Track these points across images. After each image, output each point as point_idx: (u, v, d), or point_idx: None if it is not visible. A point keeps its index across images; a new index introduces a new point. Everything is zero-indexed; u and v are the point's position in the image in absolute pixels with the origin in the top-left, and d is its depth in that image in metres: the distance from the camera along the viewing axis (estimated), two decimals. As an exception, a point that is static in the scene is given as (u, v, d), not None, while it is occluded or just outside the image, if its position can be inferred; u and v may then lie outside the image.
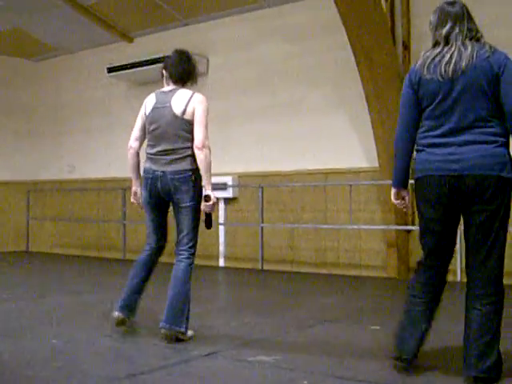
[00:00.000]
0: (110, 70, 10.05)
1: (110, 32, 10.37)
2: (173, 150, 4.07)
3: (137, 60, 9.74)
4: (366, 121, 7.58)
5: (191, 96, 4.07)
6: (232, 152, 9.21)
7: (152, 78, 9.99)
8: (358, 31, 7.03)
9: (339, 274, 8.03)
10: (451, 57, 3.10)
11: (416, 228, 7.63)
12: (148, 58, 9.59)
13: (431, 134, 3.14)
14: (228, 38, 9.47)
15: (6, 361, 3.50)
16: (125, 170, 10.47)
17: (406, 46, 7.82)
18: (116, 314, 4.14)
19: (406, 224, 7.71)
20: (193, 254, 4.19)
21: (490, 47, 3.09)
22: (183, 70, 4.20)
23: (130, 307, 4.22)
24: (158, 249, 4.39)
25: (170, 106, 4.06)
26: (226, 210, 9.36)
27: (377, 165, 7.69)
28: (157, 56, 9.45)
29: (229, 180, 9.10)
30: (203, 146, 3.95)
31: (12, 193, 11.54)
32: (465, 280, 3.22)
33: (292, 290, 6.58)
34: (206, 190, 4.01)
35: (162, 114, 4.10)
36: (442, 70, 3.09)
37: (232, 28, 9.43)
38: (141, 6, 9.60)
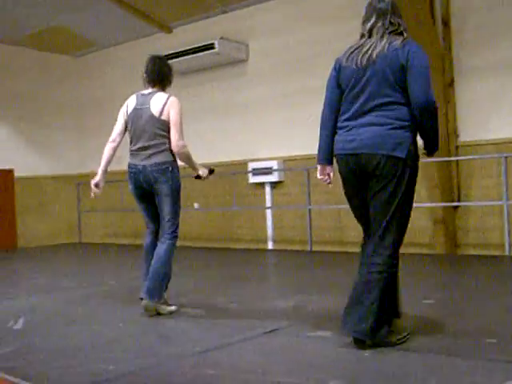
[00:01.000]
0: (151, 61, 10.21)
1: (148, 24, 10.54)
2: (151, 146, 4.52)
3: (176, 50, 9.89)
4: (409, 99, 7.58)
5: (167, 99, 4.55)
6: (276, 136, 9.32)
7: (193, 67, 10.17)
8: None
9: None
10: (368, 48, 3.39)
11: (463, 204, 7.64)
12: (187, 48, 9.73)
13: (342, 117, 3.47)
14: (267, 23, 9.54)
15: (77, 344, 3.70)
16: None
17: (446, 23, 7.77)
18: (143, 300, 4.43)
19: (453, 200, 7.71)
20: (175, 237, 4.59)
21: (404, 40, 3.35)
22: (158, 75, 4.64)
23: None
24: (157, 233, 4.69)
25: (149, 108, 4.52)
26: (272, 193, 9.49)
27: (421, 142, 7.69)
28: (196, 45, 9.61)
29: (274, 164, 9.22)
30: (177, 146, 4.49)
31: (62, 186, 11.88)
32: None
33: (342, 270, 6.68)
34: (197, 172, 4.74)
35: (141, 115, 4.55)
36: (358, 59, 3.40)
37: (271, 13, 9.49)
38: (179, -5, 9.75)
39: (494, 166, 7.42)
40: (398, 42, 3.33)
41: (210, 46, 9.45)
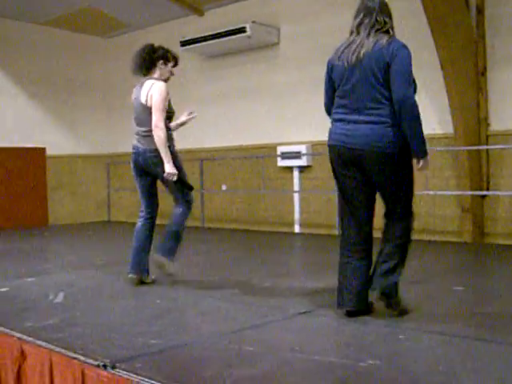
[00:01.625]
0: (183, 43, 10.25)
1: (180, 6, 10.56)
2: (145, 131, 4.82)
3: (209, 33, 9.92)
4: (440, 87, 7.55)
5: (151, 86, 4.80)
6: (305, 121, 9.34)
7: (224, 50, 10.21)
8: (440, 15, 7.03)
9: (414, 239, 8.09)
10: (356, 46, 3.57)
11: (491, 193, 7.64)
12: (220, 31, 9.75)
13: (339, 110, 3.69)
14: (298, 7, 9.53)
15: (117, 318, 3.83)
16: (201, 141, 10.88)
17: (480, 11, 7.70)
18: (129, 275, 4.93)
19: (481, 189, 7.69)
20: (189, 203, 4.99)
21: (389, 38, 3.52)
22: (136, 64, 4.97)
23: (139, 267, 4.96)
24: (149, 219, 5.06)
25: (139, 97, 4.87)
26: (300, 177, 9.54)
27: (451, 131, 7.69)
28: (228, 29, 9.63)
29: (303, 148, 9.26)
30: (156, 127, 4.68)
31: (92, 166, 12.05)
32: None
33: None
34: (164, 164, 4.72)
35: (136, 104, 4.95)
36: (348, 58, 3.60)
37: (302, -3, 9.49)
38: (211, -22, 9.76)
39: (525, 155, 7.40)
40: (383, 40, 3.51)
41: (242, 30, 9.46)
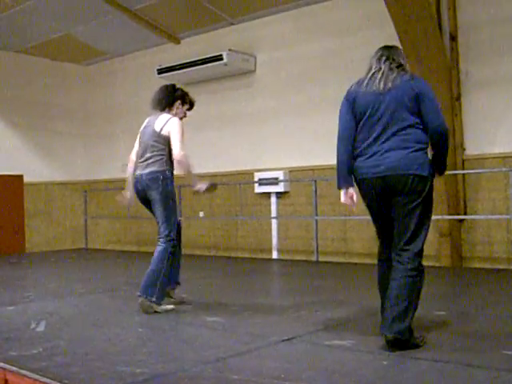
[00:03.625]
0: (160, 71, 10.33)
1: (157, 34, 10.67)
2: (149, 157, 5.04)
3: (185, 61, 10.01)
4: (416, 113, 7.70)
5: (169, 119, 5.08)
6: (282, 147, 9.44)
7: (201, 77, 10.30)
8: (406, 24, 7.15)
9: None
10: (381, 78, 3.75)
11: (469, 217, 7.75)
12: (196, 59, 9.85)
13: (362, 144, 3.75)
14: (274, 35, 9.68)
15: (101, 347, 3.81)
16: (177, 169, 10.87)
17: (454, 37, 7.90)
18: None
19: (458, 213, 7.81)
20: (169, 240, 4.99)
21: (412, 75, 3.77)
22: (155, 102, 5.27)
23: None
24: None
25: (153, 125, 5.09)
26: (277, 203, 9.60)
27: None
28: (204, 56, 9.73)
29: (280, 174, 9.33)
30: (179, 155, 4.95)
31: (69, 193, 12.00)
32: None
33: (350, 279, 6.79)
34: (194, 187, 5.06)
35: (147, 131, 5.16)
36: (376, 85, 3.73)
37: (278, 25, 9.63)
38: (187, 7, 9.84)
39: (501, 179, 7.52)
40: (407, 75, 3.73)
41: (219, 58, 9.57)
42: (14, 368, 3.27)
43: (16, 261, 9.79)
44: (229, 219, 10.23)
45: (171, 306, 4.97)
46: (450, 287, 6.42)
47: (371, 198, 3.79)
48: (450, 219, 7.72)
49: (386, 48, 3.92)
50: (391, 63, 3.79)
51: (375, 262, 8.06)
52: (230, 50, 9.56)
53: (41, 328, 4.34)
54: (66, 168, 11.95)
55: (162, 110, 5.20)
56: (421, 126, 3.65)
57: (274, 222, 9.65)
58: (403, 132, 3.63)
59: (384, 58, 3.83)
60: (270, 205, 9.70)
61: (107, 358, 3.50)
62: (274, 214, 9.61)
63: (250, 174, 9.86)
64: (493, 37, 7.63)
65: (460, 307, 5.05)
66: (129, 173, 5.27)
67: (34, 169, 11.42)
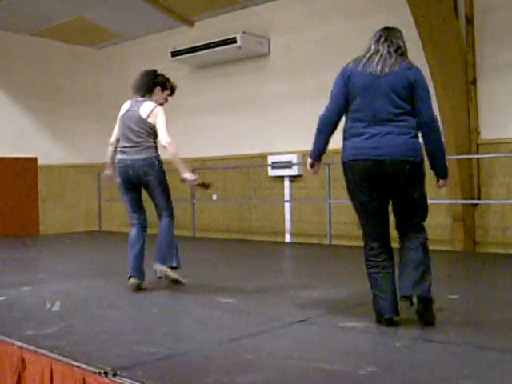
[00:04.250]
0: (174, 54, 10.32)
1: (171, 17, 10.64)
2: (138, 143, 5.12)
3: (199, 43, 9.99)
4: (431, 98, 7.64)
5: (154, 107, 5.16)
6: (296, 130, 9.41)
7: (213, 60, 10.28)
8: (422, 8, 7.10)
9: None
10: (379, 59, 3.73)
11: (482, 202, 7.71)
12: (209, 41, 9.83)
13: (359, 124, 3.73)
14: (288, 18, 9.63)
15: (115, 327, 3.85)
16: (192, 151, 10.92)
17: (469, 21, 7.82)
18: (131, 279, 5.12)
19: (472, 198, 7.78)
20: (171, 217, 5.30)
21: (409, 62, 3.75)
22: (138, 85, 5.35)
23: (139, 273, 5.17)
24: (142, 225, 5.34)
25: (138, 112, 5.15)
26: (290, 187, 9.60)
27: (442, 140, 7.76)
28: (218, 39, 9.70)
29: (293, 158, 9.32)
30: (169, 142, 5.01)
31: (83, 176, 12.06)
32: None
33: (362, 263, 6.76)
34: (182, 175, 5.13)
35: (131, 116, 5.18)
36: (373, 68, 3.72)
37: (292, 8, 9.57)
38: (201, -11, 9.83)
39: (515, 164, 7.48)
40: (404, 63, 3.72)
41: (232, 40, 9.54)
42: (31, 347, 3.31)
43: (30, 243, 9.88)
44: (242, 202, 10.24)
45: (184, 279, 5.27)
46: (463, 272, 6.41)
47: (363, 179, 3.74)
48: (463, 204, 7.69)
49: (386, 29, 3.89)
50: (389, 46, 3.77)
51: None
52: (243, 32, 9.52)
53: (56, 308, 4.38)
54: (80, 151, 12.00)
55: (143, 95, 5.27)
56: (413, 114, 3.67)
57: (287, 206, 9.66)
58: (400, 118, 3.66)
59: (383, 39, 3.81)
60: (283, 188, 9.71)
61: (122, 337, 3.54)
62: (287, 197, 9.62)
63: (264, 157, 9.86)
64: (509, 20, 7.55)
65: (473, 291, 5.05)
66: (109, 156, 5.39)
67: (48, 151, 11.49)
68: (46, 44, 11.64)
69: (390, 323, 3.66)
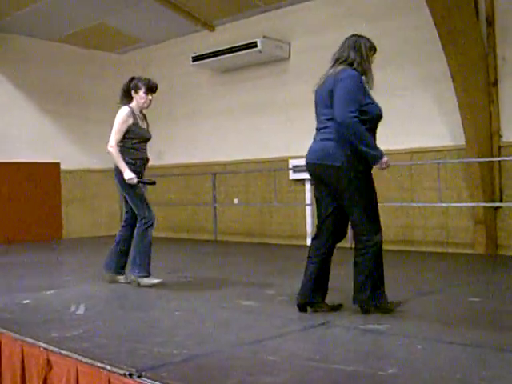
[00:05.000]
0: (195, 58, 10.39)
1: (192, 22, 10.72)
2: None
3: (219, 48, 10.05)
4: (451, 99, 7.62)
5: (118, 111, 5.57)
6: (316, 134, 9.42)
7: (235, 65, 10.34)
8: (442, 10, 7.08)
9: (426, 251, 8.17)
10: (324, 75, 4.18)
11: (504, 205, 7.67)
12: (230, 46, 9.88)
13: None
14: (308, 21, 9.65)
15: (139, 329, 3.91)
16: (213, 155, 10.98)
17: (491, 23, 7.78)
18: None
19: (494, 201, 7.73)
20: (144, 223, 5.50)
21: (345, 68, 4.03)
22: (119, 95, 5.82)
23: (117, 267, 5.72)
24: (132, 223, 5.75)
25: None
26: (312, 190, 9.59)
27: (463, 143, 7.74)
28: (239, 43, 9.76)
29: (314, 162, 9.32)
30: (108, 146, 5.45)
31: (105, 180, 12.15)
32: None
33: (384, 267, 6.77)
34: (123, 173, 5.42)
35: None
36: (318, 84, 4.21)
37: (312, 12, 9.59)
38: (222, -6, 9.90)
39: (538, 167, 7.43)
40: (337, 69, 4.04)
41: (253, 45, 9.58)
42: (56, 349, 3.38)
43: (54, 247, 10.01)
44: (263, 206, 10.28)
45: (159, 280, 5.52)
46: (485, 274, 6.38)
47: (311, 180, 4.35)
48: (485, 206, 7.65)
49: (345, 44, 4.19)
50: (337, 60, 4.12)
51: (408, 248, 8.09)
52: (264, 36, 9.57)
53: (80, 311, 4.45)
54: (102, 155, 12.02)
55: (122, 103, 5.66)
56: None
57: (308, 209, 9.67)
58: (325, 124, 4.06)
59: (337, 55, 4.17)
60: (304, 192, 9.73)
61: (145, 339, 3.59)
62: (308, 200, 9.63)
63: (285, 160, 9.88)
64: (530, 21, 7.51)
65: (494, 294, 5.02)
66: None
67: (71, 156, 11.63)
68: (68, 49, 11.81)
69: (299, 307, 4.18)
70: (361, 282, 4.06)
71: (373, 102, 4.07)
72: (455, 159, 7.95)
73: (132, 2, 10.09)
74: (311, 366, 2.96)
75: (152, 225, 5.53)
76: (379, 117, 4.11)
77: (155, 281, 5.47)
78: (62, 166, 11.52)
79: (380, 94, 8.54)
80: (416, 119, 8.38)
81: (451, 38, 7.19)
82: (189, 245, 10.10)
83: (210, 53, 10.19)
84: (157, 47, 11.97)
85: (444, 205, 7.99)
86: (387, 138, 8.49)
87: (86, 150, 11.90)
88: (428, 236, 8.36)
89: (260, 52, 9.62)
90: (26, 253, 9.06)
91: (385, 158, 4.03)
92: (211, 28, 10.91)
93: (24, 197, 10.95)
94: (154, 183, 5.62)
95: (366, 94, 4.05)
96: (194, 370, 2.96)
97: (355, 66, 4.10)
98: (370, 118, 4.03)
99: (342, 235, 4.35)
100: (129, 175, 5.37)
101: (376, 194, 4.13)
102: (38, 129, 11.37)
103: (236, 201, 10.64)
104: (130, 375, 2.89)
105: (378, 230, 4.07)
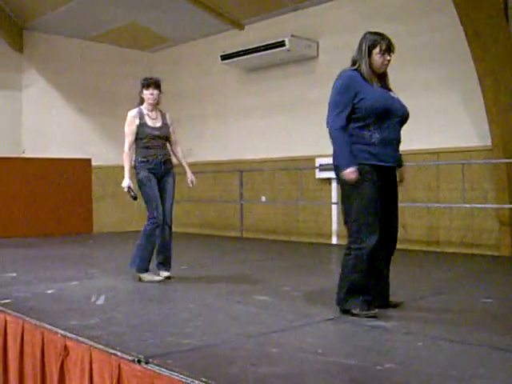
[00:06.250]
0: (224, 57, 10.54)
1: (221, 21, 10.87)
2: None
3: (248, 47, 10.17)
4: (478, 100, 7.61)
5: None
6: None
7: (263, 63, 10.45)
8: (469, 8, 7.07)
9: (451, 252, 8.17)
10: None
11: (530, 206, 7.61)
12: (259, 45, 9.99)
13: None
14: (337, 20, 9.70)
15: (153, 320, 4.08)
16: (240, 153, 11.12)
17: (519, 22, 7.74)
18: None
19: (520, 202, 7.69)
20: (152, 223, 5.66)
21: (342, 70, 4.17)
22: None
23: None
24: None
25: None
26: (338, 189, 9.66)
27: (489, 143, 7.71)
28: (267, 42, 9.86)
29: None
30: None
31: (135, 176, 12.39)
32: None
33: (404, 265, 6.81)
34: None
35: None
36: None
37: (340, 11, 9.64)
38: (251, -7, 10.02)
39: None
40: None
41: (281, 43, 9.68)
42: (73, 335, 3.55)
43: (83, 241, 10.29)
44: (290, 204, 10.38)
45: (158, 277, 5.68)
46: (504, 277, 6.35)
47: None
48: (510, 208, 7.62)
49: None
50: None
51: (432, 249, 8.09)
52: (292, 35, 9.66)
53: (100, 301, 4.63)
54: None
55: (137, 106, 6.02)
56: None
57: (334, 208, 9.74)
58: None
59: None
60: (330, 190, 9.79)
61: (157, 329, 3.73)
62: (334, 199, 9.69)
63: (312, 159, 9.96)
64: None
65: (509, 296, 4.99)
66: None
67: (102, 153, 11.90)
68: (100, 48, 12.10)
69: None
70: (338, 283, 4.13)
71: (366, 97, 3.99)
72: (481, 160, 7.93)
73: (162, 1, 10.29)
74: (311, 359, 3.06)
75: (158, 225, 5.66)
76: (375, 108, 3.99)
77: (157, 277, 5.65)
78: (94, 163, 11.80)
79: (406, 92, 8.62)
80: (442, 119, 8.37)
81: (478, 37, 7.18)
82: (215, 241, 10.26)
83: (238, 52, 10.33)
84: (186, 46, 12.16)
85: (469, 206, 7.98)
86: (414, 137, 8.55)
87: (116, 147, 12.11)
88: (453, 237, 8.35)
89: (288, 51, 9.73)
90: (57, 246, 9.34)
91: (347, 170, 3.94)
92: (240, 27, 11.04)
93: (57, 192, 11.27)
94: (134, 198, 5.77)
95: (361, 90, 4.01)
96: (198, 359, 3.08)
97: (358, 64, 4.16)
98: (364, 112, 3.99)
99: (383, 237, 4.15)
100: (124, 182, 5.66)
101: (377, 201, 4.03)
102: (71, 126, 11.70)
103: (263, 198, 10.76)
104: (139, 361, 3.03)
105: (366, 237, 3.97)
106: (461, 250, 8.17)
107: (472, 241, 8.17)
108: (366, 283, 4.02)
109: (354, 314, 3.98)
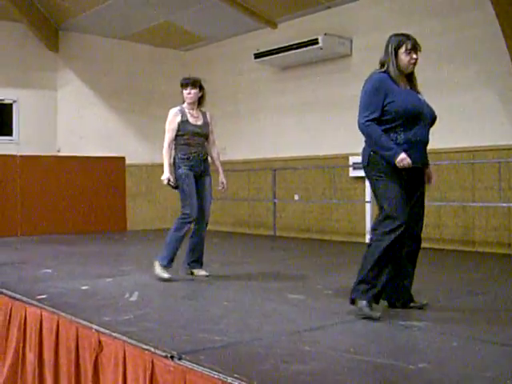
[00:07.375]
0: (257, 55, 10.54)
1: (254, 19, 10.87)
2: None
3: (282, 45, 10.16)
4: (513, 96, 7.49)
5: None
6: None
7: (296, 61, 10.43)
8: (507, 5, 6.96)
9: (487, 252, 8.04)
10: None
11: None
12: (292, 43, 9.97)
13: None
14: (371, 18, 9.63)
15: (186, 317, 4.11)
16: (274, 151, 11.11)
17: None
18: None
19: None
20: (183, 218, 5.76)
21: (372, 72, 4.20)
22: None
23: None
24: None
25: None
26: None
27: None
28: (301, 40, 9.83)
29: (374, 159, 9.30)
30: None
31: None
32: None
33: (439, 265, 6.75)
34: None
35: None
36: None
37: (374, 8, 9.57)
38: (284, -9, 10.00)
39: None
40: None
41: (314, 42, 9.64)
42: (107, 331, 3.60)
43: (117, 238, 10.41)
44: (323, 202, 10.34)
45: (167, 275, 5.62)
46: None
47: None
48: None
49: None
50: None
51: (468, 249, 7.98)
52: (325, 34, 9.61)
53: (134, 298, 4.68)
54: (161, 150, 12.43)
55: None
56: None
57: (367, 206, 9.66)
58: None
59: None
60: (364, 189, 9.72)
61: (190, 326, 3.76)
62: (368, 198, 9.62)
63: (345, 157, 9.90)
64: None
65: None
66: None
67: (136, 151, 12.03)
68: (133, 47, 12.23)
69: None
70: (358, 271, 4.19)
71: (396, 100, 4.02)
72: (518, 158, 7.80)
73: (196, 0, 10.33)
74: (343, 357, 3.05)
75: (189, 222, 5.72)
76: (404, 111, 4.01)
77: (166, 275, 5.61)
78: (128, 161, 11.93)
79: (441, 90, 8.58)
80: (478, 117, 8.25)
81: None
82: (248, 240, 10.28)
83: (271, 50, 10.32)
84: (220, 44, 12.20)
85: (506, 205, 7.85)
86: (450, 135, 8.46)
87: (149, 145, 12.25)
88: (489, 237, 8.22)
89: (321, 49, 9.68)
90: (91, 243, 9.46)
91: (399, 157, 3.94)
92: (273, 25, 11.03)
93: (92, 190, 11.43)
94: (175, 188, 5.84)
95: (390, 93, 4.03)
96: (230, 356, 3.09)
97: (385, 66, 4.17)
98: (393, 115, 4.01)
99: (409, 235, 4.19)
100: (164, 175, 5.75)
101: (403, 192, 4.04)
102: (105, 124, 11.85)
103: (296, 197, 10.74)
104: (171, 357, 3.06)
105: (391, 230, 3.95)
106: (497, 250, 8.04)
107: (509, 241, 8.03)
108: (381, 276, 4.03)
109: (359, 309, 3.97)
